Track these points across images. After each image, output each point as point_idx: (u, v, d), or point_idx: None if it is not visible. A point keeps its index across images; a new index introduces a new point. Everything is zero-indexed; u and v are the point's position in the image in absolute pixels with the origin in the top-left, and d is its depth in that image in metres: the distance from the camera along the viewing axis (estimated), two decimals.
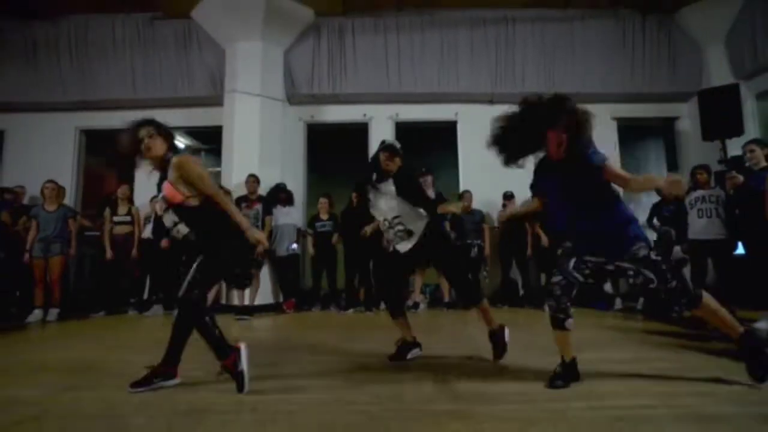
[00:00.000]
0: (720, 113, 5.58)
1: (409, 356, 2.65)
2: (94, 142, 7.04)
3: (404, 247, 2.64)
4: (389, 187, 2.64)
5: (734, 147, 5.28)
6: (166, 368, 2.09)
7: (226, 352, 2.07)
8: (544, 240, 5.50)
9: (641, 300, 4.99)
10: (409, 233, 2.63)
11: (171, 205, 2.12)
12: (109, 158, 7.70)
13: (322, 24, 6.44)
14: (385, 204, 2.65)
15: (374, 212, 2.74)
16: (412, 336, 2.73)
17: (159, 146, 2.15)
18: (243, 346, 2.08)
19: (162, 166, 2.18)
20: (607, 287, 5.53)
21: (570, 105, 2.02)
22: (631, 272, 2.05)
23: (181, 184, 2.11)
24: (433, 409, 1.79)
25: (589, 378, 2.16)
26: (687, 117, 6.66)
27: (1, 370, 2.62)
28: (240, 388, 2.01)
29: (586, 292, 5.59)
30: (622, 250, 2.03)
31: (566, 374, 2.11)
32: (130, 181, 6.45)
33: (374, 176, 2.67)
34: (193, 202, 2.13)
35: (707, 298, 2.03)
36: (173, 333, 2.10)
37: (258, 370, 2.20)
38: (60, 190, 5.37)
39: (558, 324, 2.12)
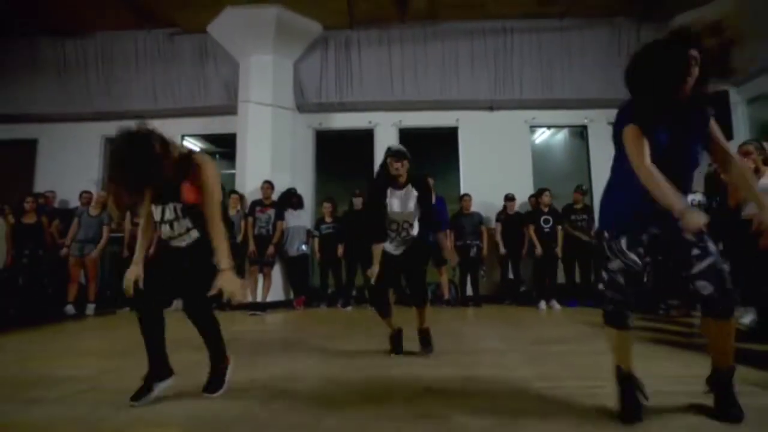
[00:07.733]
0: None
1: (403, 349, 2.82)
2: None
3: (398, 250, 2.82)
4: (411, 193, 2.77)
5: None
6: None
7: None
8: (538, 250, 5.76)
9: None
10: (408, 241, 2.77)
11: (188, 206, 1.99)
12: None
13: (329, 37, 6.81)
14: (402, 207, 2.75)
15: (390, 216, 2.76)
16: (399, 327, 2.88)
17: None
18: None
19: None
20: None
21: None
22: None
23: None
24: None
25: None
26: None
27: (54, 354, 3.07)
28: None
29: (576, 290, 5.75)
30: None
31: (630, 392, 1.64)
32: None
33: (388, 183, 2.75)
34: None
35: None
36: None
37: (269, 358, 2.58)
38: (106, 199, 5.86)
39: (619, 321, 1.67)
